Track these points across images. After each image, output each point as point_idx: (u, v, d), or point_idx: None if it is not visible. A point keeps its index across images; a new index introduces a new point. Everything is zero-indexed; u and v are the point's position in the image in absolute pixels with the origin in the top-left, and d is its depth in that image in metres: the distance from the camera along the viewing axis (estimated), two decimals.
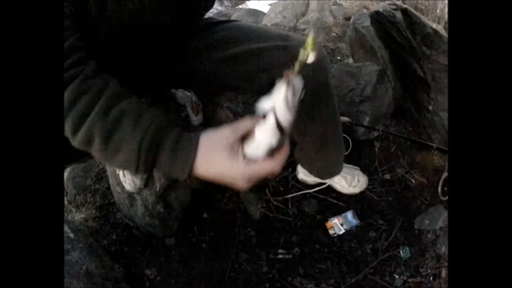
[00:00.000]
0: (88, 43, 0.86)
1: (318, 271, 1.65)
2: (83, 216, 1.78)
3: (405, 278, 1.61)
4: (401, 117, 2.12)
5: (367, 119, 1.92)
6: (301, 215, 1.80)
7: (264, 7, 3.88)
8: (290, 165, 1.87)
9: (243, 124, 0.79)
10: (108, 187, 1.86)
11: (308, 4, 3.31)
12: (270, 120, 0.75)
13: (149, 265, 1.68)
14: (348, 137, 1.87)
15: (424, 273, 1.61)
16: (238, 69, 1.23)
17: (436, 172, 1.91)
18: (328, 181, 1.79)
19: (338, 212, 1.78)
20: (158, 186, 1.67)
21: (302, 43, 0.76)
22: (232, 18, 3.39)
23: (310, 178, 1.79)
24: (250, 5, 4.54)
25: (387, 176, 1.91)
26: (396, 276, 1.62)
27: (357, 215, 1.77)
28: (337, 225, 1.73)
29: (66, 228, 1.60)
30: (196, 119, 1.77)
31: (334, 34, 2.70)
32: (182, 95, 1.78)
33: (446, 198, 1.71)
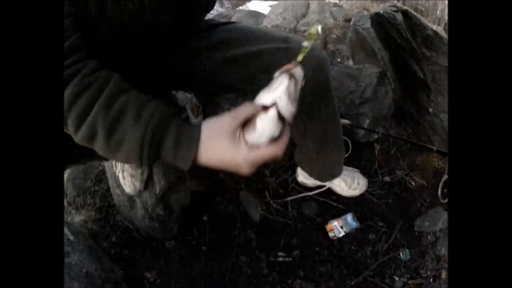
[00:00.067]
0: (88, 43, 0.86)
1: (318, 273, 1.65)
2: (83, 218, 1.78)
3: (405, 280, 1.61)
4: (401, 119, 2.12)
5: (367, 121, 1.92)
6: (301, 218, 1.80)
7: (264, 9, 3.88)
8: (290, 168, 1.88)
9: (243, 111, 0.79)
10: (108, 189, 1.86)
11: (308, 5, 3.31)
12: (272, 113, 0.76)
13: (149, 268, 1.67)
14: (348, 140, 1.87)
15: (424, 275, 1.61)
16: (238, 71, 1.23)
17: (436, 174, 1.91)
18: (328, 184, 1.79)
19: (338, 214, 1.78)
20: (158, 188, 1.67)
21: None
22: (233, 19, 3.39)
23: (310, 181, 1.79)
24: (250, 6, 4.54)
25: (387, 179, 1.91)
26: (396, 278, 1.62)
27: (357, 217, 1.77)
28: (337, 227, 1.73)
29: (66, 230, 1.59)
30: (196, 121, 1.77)
31: (334, 36, 2.69)
32: (182, 96, 1.78)
33: (446, 200, 1.71)
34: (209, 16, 1.33)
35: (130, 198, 1.72)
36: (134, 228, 1.77)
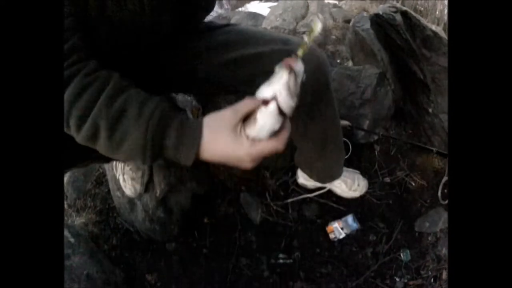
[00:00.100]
0: (88, 43, 0.87)
1: (319, 275, 1.65)
2: (83, 220, 1.78)
3: (405, 280, 1.62)
4: (401, 119, 2.12)
5: (367, 122, 1.92)
6: (302, 220, 1.79)
7: (264, 10, 3.88)
8: (290, 170, 1.88)
9: (243, 106, 0.80)
10: (108, 192, 1.86)
11: (308, 6, 3.32)
12: (273, 107, 0.76)
13: (150, 270, 1.67)
14: (348, 141, 1.87)
15: (424, 275, 1.61)
16: (238, 73, 1.24)
17: (436, 174, 1.91)
18: (328, 185, 1.79)
19: (339, 216, 1.78)
20: (158, 191, 1.67)
21: None
22: (232, 21, 3.40)
23: (310, 183, 1.79)
24: (249, 8, 4.55)
25: (387, 179, 1.91)
26: (397, 279, 1.62)
27: (358, 218, 1.77)
28: (338, 229, 1.73)
29: (66, 232, 1.59)
30: None
31: (334, 37, 2.70)
32: (182, 99, 1.78)
33: (446, 202, 1.71)
34: (209, 17, 1.33)
35: (131, 200, 1.73)
36: (134, 231, 1.77)
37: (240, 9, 4.66)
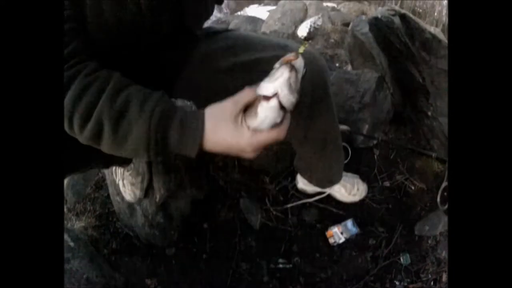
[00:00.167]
0: (89, 44, 0.88)
1: (318, 280, 1.65)
2: (82, 224, 1.78)
3: (405, 284, 1.62)
4: (400, 123, 2.12)
5: (367, 126, 1.92)
6: (301, 224, 1.79)
7: (262, 14, 3.88)
8: (289, 175, 1.88)
9: (244, 96, 0.81)
10: (108, 196, 1.86)
11: (306, 10, 3.32)
12: (274, 103, 0.77)
13: (150, 275, 1.67)
14: (347, 146, 1.87)
15: (424, 279, 1.62)
16: (237, 78, 1.23)
17: (436, 177, 1.91)
18: (328, 190, 1.79)
19: (338, 220, 1.78)
20: (158, 196, 1.67)
21: None
22: (231, 25, 3.39)
23: (309, 187, 1.79)
24: (248, 12, 4.55)
25: (387, 184, 1.91)
26: (397, 283, 1.62)
27: (357, 223, 1.76)
28: (337, 233, 1.73)
29: (66, 236, 1.59)
30: None
31: (332, 40, 2.70)
32: (182, 104, 1.78)
33: (445, 207, 1.71)
34: (208, 22, 1.33)
35: (130, 205, 1.73)
36: (134, 235, 1.76)
37: (239, 13, 4.66)
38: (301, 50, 0.80)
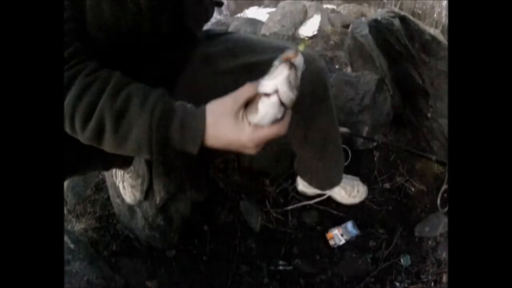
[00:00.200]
0: (89, 45, 0.89)
1: (319, 281, 1.65)
2: (83, 226, 1.78)
3: (406, 285, 1.62)
4: (400, 125, 2.12)
5: (366, 128, 1.92)
6: (301, 227, 1.80)
7: (262, 16, 3.88)
8: (289, 177, 1.88)
9: (244, 92, 0.81)
10: (108, 198, 1.86)
11: (306, 12, 3.32)
12: (274, 99, 0.78)
13: (150, 277, 1.67)
14: (347, 148, 1.87)
15: (425, 280, 1.62)
16: (237, 81, 1.23)
17: (436, 179, 1.91)
18: (328, 192, 1.79)
19: (338, 222, 1.78)
20: (158, 199, 1.67)
21: None
22: (231, 27, 3.39)
23: (310, 190, 1.79)
24: (248, 14, 4.54)
25: (387, 185, 1.91)
26: (397, 284, 1.62)
27: (357, 225, 1.77)
28: (338, 235, 1.73)
29: (66, 238, 1.59)
30: None
31: (332, 42, 2.70)
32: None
33: (445, 210, 1.71)
34: (208, 23, 1.33)
35: (130, 208, 1.72)
36: (134, 237, 1.76)
37: (239, 15, 4.66)
38: (301, 47, 0.80)
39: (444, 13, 3.71)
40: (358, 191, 1.80)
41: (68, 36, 0.84)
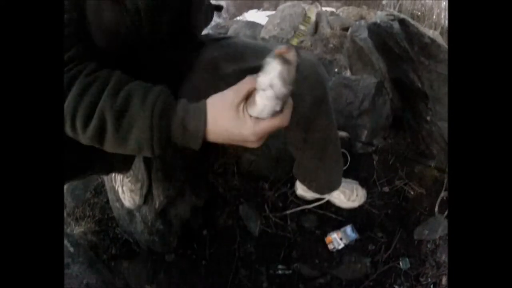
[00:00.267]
0: (89, 46, 0.89)
1: (318, 285, 1.65)
2: (82, 229, 1.78)
3: None
4: (399, 128, 2.12)
5: (366, 132, 1.92)
6: (301, 231, 1.79)
7: (261, 19, 3.88)
8: (288, 181, 1.88)
9: (245, 85, 0.80)
10: (107, 201, 1.86)
11: (305, 15, 3.31)
12: (270, 93, 0.77)
13: (149, 281, 1.67)
14: (346, 152, 1.87)
15: (424, 282, 1.62)
16: None
17: (435, 182, 1.91)
18: (327, 196, 1.79)
19: (337, 226, 1.78)
20: (157, 203, 1.67)
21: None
22: (230, 30, 3.39)
23: (309, 194, 1.79)
24: (247, 17, 4.55)
25: (386, 189, 1.91)
26: (397, 287, 1.62)
27: (357, 228, 1.76)
28: (337, 239, 1.73)
29: (65, 241, 1.59)
30: None
31: (331, 45, 2.70)
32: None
33: (444, 215, 1.71)
34: (207, 27, 1.33)
35: (130, 212, 1.72)
36: (134, 241, 1.76)
37: (238, 18, 4.67)
38: (294, 42, 0.80)
39: (443, 14, 3.72)
40: (357, 195, 1.80)
41: (68, 40, 0.84)
